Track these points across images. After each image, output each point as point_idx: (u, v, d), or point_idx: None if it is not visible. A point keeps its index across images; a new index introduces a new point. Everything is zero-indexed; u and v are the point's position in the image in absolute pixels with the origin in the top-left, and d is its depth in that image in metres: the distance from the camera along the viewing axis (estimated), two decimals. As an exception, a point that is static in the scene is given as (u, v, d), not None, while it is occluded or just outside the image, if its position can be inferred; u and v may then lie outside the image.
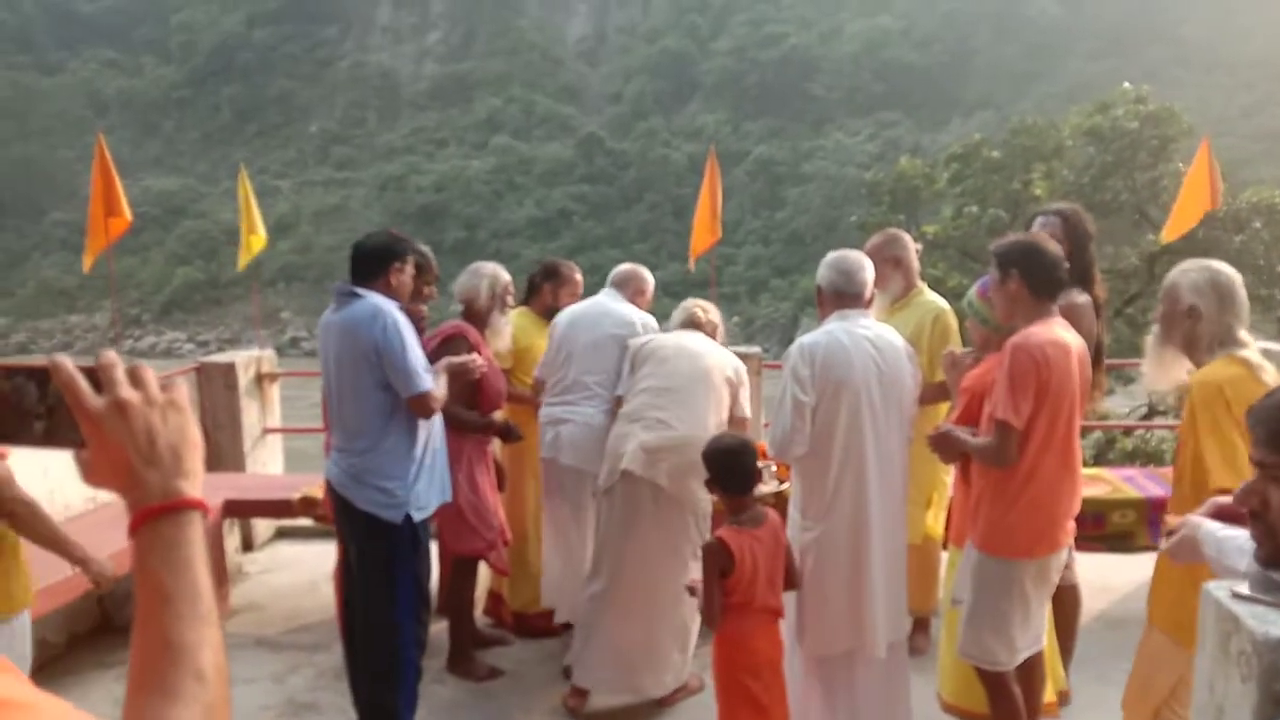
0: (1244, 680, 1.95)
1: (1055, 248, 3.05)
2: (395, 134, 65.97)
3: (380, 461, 3.22)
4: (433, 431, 3.39)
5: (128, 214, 5.93)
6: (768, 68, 64.00)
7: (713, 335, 4.02)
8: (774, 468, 3.81)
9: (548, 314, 4.49)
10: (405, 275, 3.38)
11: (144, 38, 72.83)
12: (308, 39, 72.51)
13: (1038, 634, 3.12)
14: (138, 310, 54.07)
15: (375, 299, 3.24)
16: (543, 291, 4.60)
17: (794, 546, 3.10)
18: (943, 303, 4.18)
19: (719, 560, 2.86)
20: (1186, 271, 2.73)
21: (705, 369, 3.73)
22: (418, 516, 3.28)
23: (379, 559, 3.27)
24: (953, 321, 4.11)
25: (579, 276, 4.69)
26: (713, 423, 3.64)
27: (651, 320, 4.22)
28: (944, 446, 3.10)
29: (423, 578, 3.38)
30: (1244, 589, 2.10)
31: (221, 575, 4.97)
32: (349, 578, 3.42)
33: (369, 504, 3.23)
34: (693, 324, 4.00)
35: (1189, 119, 18.21)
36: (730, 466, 2.95)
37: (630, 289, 4.35)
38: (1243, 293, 2.71)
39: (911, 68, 63.17)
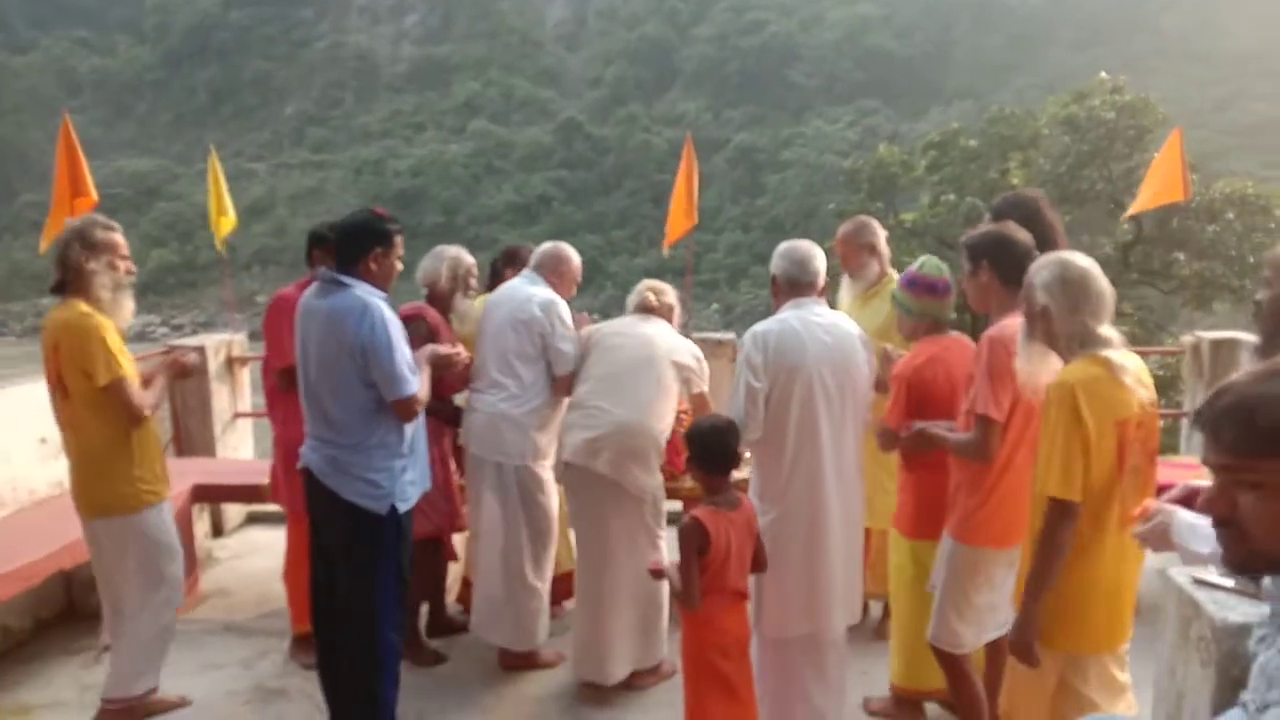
0: (1203, 665, 1.97)
1: (1025, 238, 3.06)
2: (372, 117, 65.36)
3: (368, 456, 3.16)
4: (417, 421, 3.34)
5: (94, 195, 5.82)
6: (748, 55, 63.84)
7: (668, 318, 3.97)
8: (749, 453, 3.82)
9: None
10: (389, 260, 3.24)
11: (118, 17, 71.72)
12: (284, 20, 71.60)
13: (1007, 619, 3.16)
14: (111, 293, 53.35)
15: (362, 291, 3.12)
16: (504, 277, 4.44)
17: None
18: None
19: (696, 540, 2.86)
20: (1040, 269, 2.63)
21: (650, 355, 3.73)
22: (402, 508, 3.23)
23: (364, 549, 3.21)
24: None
25: None
26: (658, 409, 3.66)
27: (555, 302, 3.94)
28: (921, 444, 3.13)
29: (404, 564, 3.36)
30: (1206, 575, 2.13)
31: (191, 561, 4.92)
32: (324, 565, 3.34)
33: (355, 495, 3.15)
34: (645, 309, 3.96)
35: (1165, 110, 18.33)
36: (711, 446, 2.94)
37: (548, 270, 4.09)
38: (1099, 286, 2.58)
39: (892, 56, 63.21)
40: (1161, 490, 2.38)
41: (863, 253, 4.16)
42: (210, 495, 5.16)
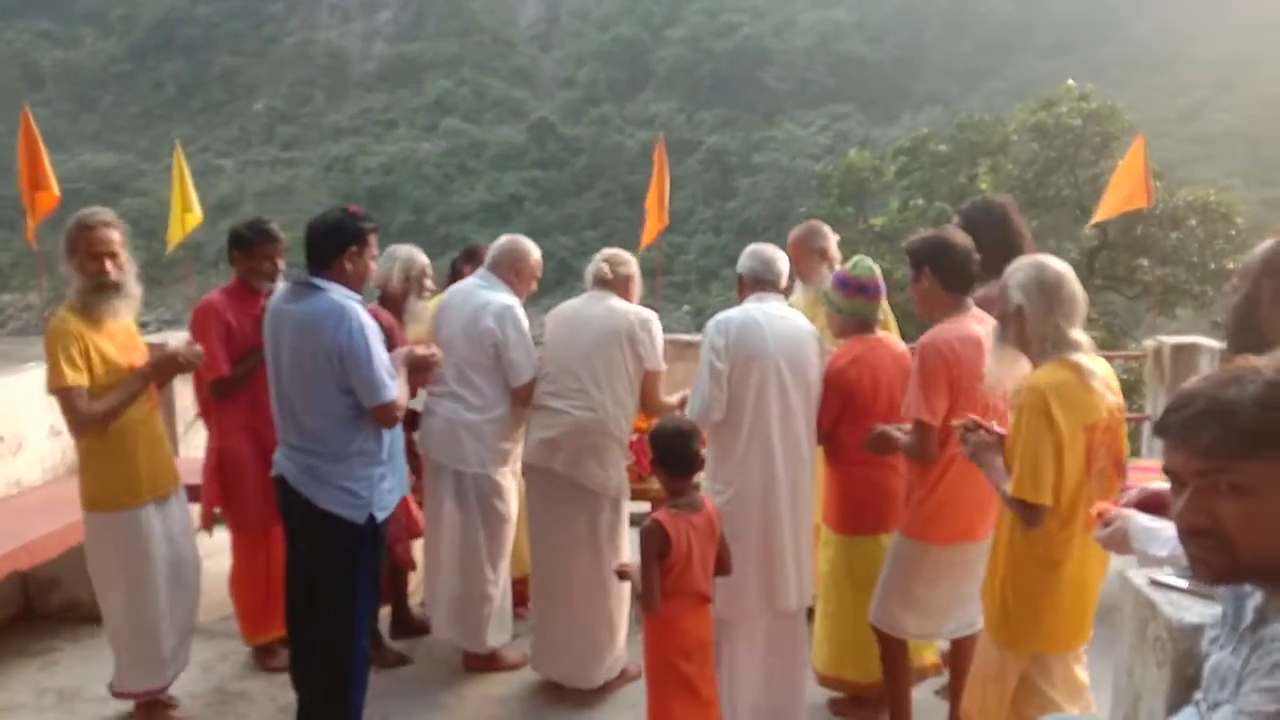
0: (1159, 665, 2.00)
1: (964, 241, 3.14)
2: (343, 114, 64.79)
3: (347, 465, 3.10)
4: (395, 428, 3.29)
5: (55, 189, 5.72)
6: (721, 57, 64.00)
7: (625, 289, 3.82)
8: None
9: None
10: (364, 260, 3.15)
11: (83, 9, 70.57)
12: (253, 15, 70.83)
13: (969, 619, 3.22)
14: (74, 289, 52.57)
15: (337, 295, 3.05)
16: (464, 276, 4.31)
17: None
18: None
19: (656, 543, 2.86)
20: (1017, 270, 2.69)
21: (595, 341, 3.63)
22: (380, 516, 3.19)
23: (341, 558, 3.17)
24: (887, 309, 4.21)
25: None
26: (613, 400, 3.62)
27: (510, 308, 3.80)
28: (880, 446, 3.21)
29: (378, 572, 3.34)
30: (1163, 576, 2.16)
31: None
32: (300, 572, 3.29)
33: (333, 504, 3.10)
34: (599, 282, 3.81)
35: (1132, 118, 18.62)
36: (674, 448, 2.95)
37: (504, 268, 3.92)
38: (1072, 290, 2.63)
39: (864, 61, 63.64)
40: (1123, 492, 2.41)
41: (813, 257, 4.22)
42: (173, 495, 5.08)
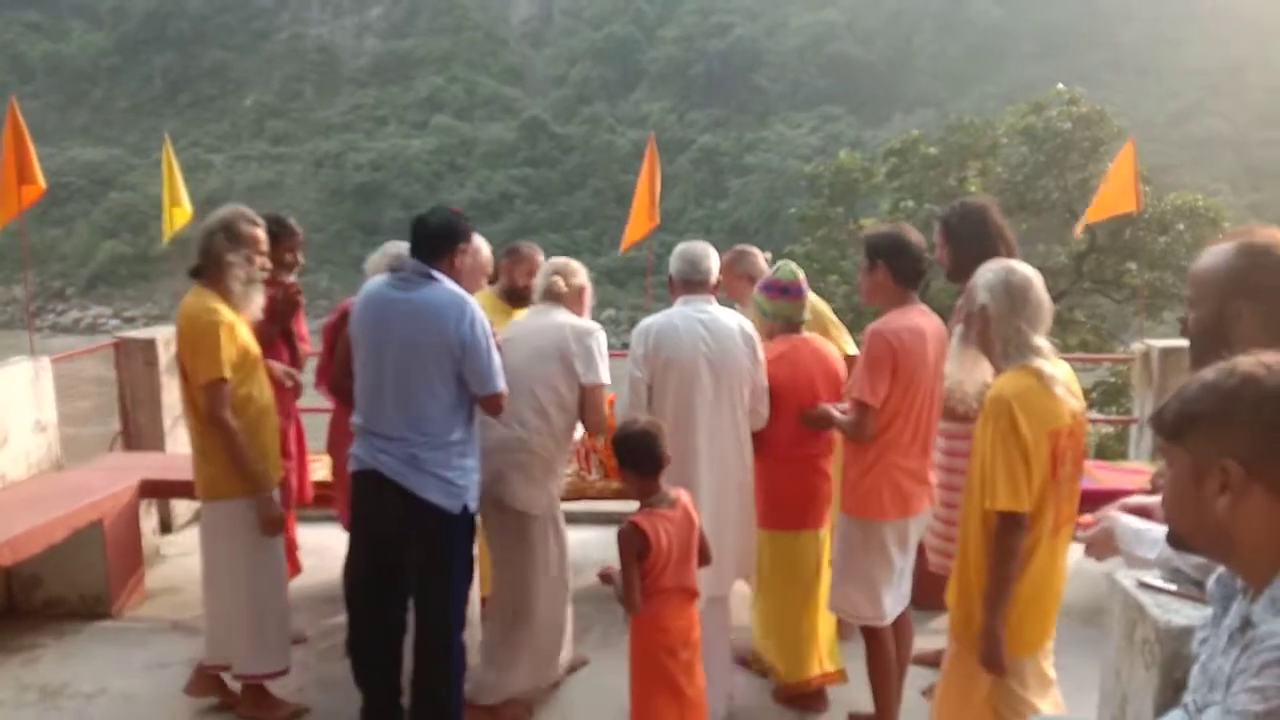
0: (1147, 668, 2.00)
1: (918, 240, 3.29)
2: (333, 110, 64.54)
3: (446, 454, 3.16)
4: (475, 422, 3.36)
5: (42, 182, 5.67)
6: (714, 58, 64.04)
7: (577, 302, 3.66)
8: None
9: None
10: (469, 258, 3.37)
11: (72, 1, 70.17)
12: (244, 9, 70.44)
13: (904, 593, 3.37)
14: (61, 283, 52.28)
15: (452, 286, 3.19)
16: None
17: None
18: (819, 303, 4.27)
19: (635, 544, 2.88)
20: (985, 270, 2.72)
21: (528, 358, 3.46)
22: (473, 506, 3.26)
23: (440, 550, 3.23)
24: (828, 315, 4.29)
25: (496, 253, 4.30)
26: (537, 414, 3.45)
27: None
28: (819, 422, 3.37)
29: (472, 563, 3.39)
30: (1151, 579, 2.16)
31: (138, 558, 4.83)
32: (371, 563, 3.32)
33: (433, 493, 3.14)
34: (551, 296, 3.63)
35: (1120, 122, 18.68)
36: (637, 448, 2.96)
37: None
38: (1039, 296, 2.65)
39: (855, 63, 63.77)
40: (1114, 496, 2.41)
41: (740, 282, 4.26)
42: (159, 491, 5.06)
